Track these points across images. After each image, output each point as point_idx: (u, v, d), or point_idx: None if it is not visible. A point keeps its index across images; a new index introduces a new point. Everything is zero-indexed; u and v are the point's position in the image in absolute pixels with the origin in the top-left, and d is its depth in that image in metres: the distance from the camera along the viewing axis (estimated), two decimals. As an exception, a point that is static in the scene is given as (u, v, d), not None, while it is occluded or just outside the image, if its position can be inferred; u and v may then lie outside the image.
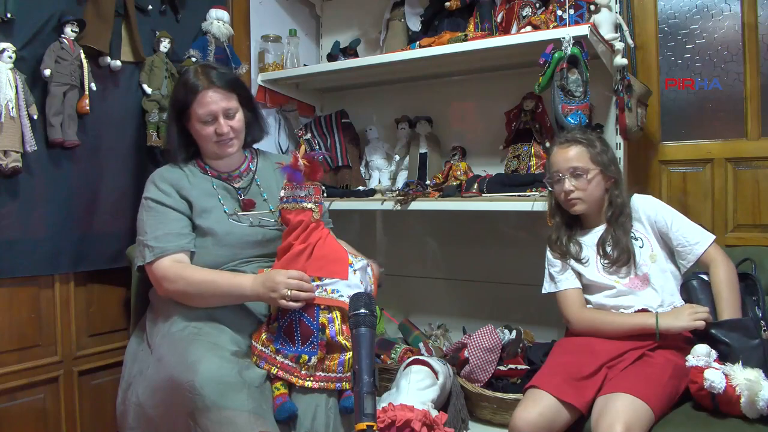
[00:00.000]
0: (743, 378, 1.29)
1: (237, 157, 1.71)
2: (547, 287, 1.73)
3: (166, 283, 1.50)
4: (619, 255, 1.60)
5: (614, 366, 1.49)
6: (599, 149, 1.64)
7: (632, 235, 1.63)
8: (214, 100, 1.58)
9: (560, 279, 1.69)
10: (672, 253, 1.64)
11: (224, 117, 1.60)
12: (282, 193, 1.48)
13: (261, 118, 1.78)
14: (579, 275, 1.68)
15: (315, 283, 1.43)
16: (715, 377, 1.30)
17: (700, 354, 1.37)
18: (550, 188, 1.72)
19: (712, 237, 1.60)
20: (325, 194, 2.23)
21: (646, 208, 1.67)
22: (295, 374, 1.40)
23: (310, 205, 1.46)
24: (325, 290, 1.43)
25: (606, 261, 1.63)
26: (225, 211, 1.62)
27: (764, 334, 1.46)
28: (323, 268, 1.45)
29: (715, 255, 1.57)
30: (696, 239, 1.59)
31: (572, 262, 1.68)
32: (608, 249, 1.63)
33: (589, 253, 1.67)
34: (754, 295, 1.54)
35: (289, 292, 1.38)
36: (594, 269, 1.65)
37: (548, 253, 1.74)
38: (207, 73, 1.61)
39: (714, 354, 1.38)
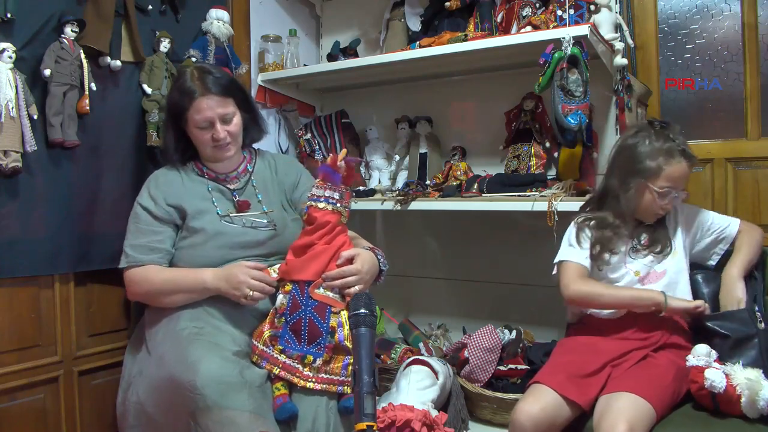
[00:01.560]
0: (744, 377, 1.29)
1: (235, 158, 1.71)
2: (557, 258, 1.68)
3: (133, 287, 1.57)
4: (655, 241, 1.61)
5: (618, 365, 1.49)
6: None
7: None
8: (210, 107, 1.58)
9: (570, 252, 1.63)
10: (689, 250, 1.66)
11: (221, 122, 1.60)
12: (314, 191, 1.47)
13: (259, 118, 1.78)
14: (596, 260, 1.63)
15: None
16: (715, 377, 1.30)
17: (701, 354, 1.37)
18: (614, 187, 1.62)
19: (738, 219, 1.66)
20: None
21: (678, 206, 1.67)
22: (297, 374, 1.39)
23: (340, 209, 1.47)
24: (339, 293, 1.44)
25: (641, 246, 1.62)
26: (218, 213, 1.62)
27: (760, 326, 1.47)
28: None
29: (745, 225, 1.65)
30: (726, 222, 1.65)
31: (597, 248, 1.63)
32: (643, 237, 1.63)
33: (620, 244, 1.63)
34: (754, 292, 1.55)
35: (251, 293, 1.42)
36: (620, 258, 1.62)
37: (574, 229, 1.67)
38: (202, 78, 1.60)
39: (714, 354, 1.38)
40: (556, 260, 1.68)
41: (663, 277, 1.59)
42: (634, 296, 1.54)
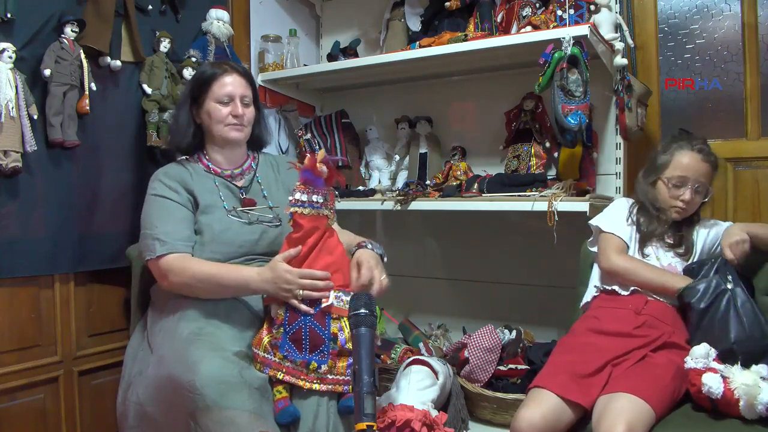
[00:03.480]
0: (741, 382, 1.28)
1: (240, 154, 1.73)
2: (597, 221, 1.73)
3: (172, 276, 1.51)
4: (681, 243, 1.67)
5: (619, 364, 1.48)
6: (717, 172, 1.70)
7: None
8: (234, 84, 1.64)
9: (616, 224, 1.69)
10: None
11: (240, 102, 1.64)
12: (297, 196, 1.42)
13: (264, 120, 1.81)
14: (630, 239, 1.69)
15: (335, 293, 1.41)
16: (713, 382, 1.29)
17: (699, 355, 1.37)
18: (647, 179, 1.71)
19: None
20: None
21: (702, 220, 1.75)
22: (302, 377, 1.38)
23: (326, 212, 1.43)
24: (342, 301, 1.41)
25: (668, 244, 1.68)
26: (224, 207, 1.62)
27: (728, 285, 1.49)
28: (344, 281, 1.45)
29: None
30: (724, 225, 1.71)
31: (633, 229, 1.69)
32: (672, 236, 1.68)
33: (653, 235, 1.69)
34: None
35: (301, 292, 1.38)
36: (651, 249, 1.68)
37: (623, 200, 1.78)
38: (227, 62, 1.71)
39: (713, 353, 1.37)
40: (598, 224, 1.72)
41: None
42: (663, 281, 1.59)
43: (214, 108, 1.63)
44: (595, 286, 1.73)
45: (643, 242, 1.68)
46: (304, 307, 1.39)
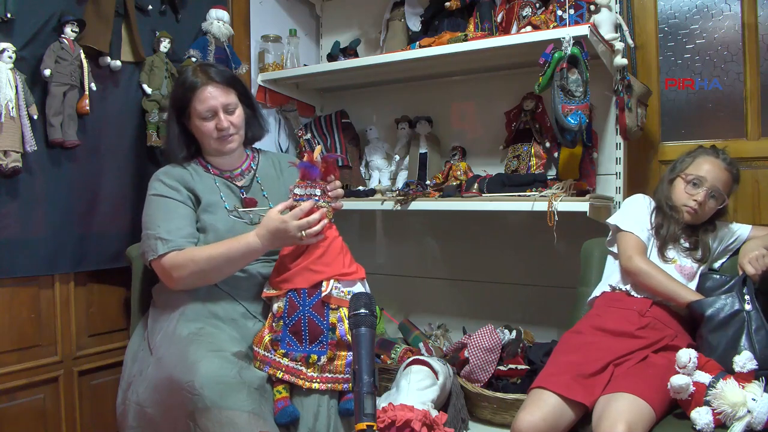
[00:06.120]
0: (729, 401, 1.25)
1: (238, 155, 1.72)
2: (615, 220, 1.73)
3: (177, 271, 1.50)
4: (697, 247, 1.68)
5: (621, 364, 1.48)
6: (737, 186, 1.72)
7: None
8: (214, 96, 1.60)
9: (635, 223, 1.69)
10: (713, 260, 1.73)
11: (224, 112, 1.61)
12: (296, 191, 1.47)
13: (260, 115, 1.79)
14: (648, 240, 1.70)
15: (334, 283, 1.44)
16: (701, 419, 1.27)
17: (682, 363, 1.34)
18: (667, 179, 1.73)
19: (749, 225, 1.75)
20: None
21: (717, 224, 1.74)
22: (301, 376, 1.39)
23: (324, 204, 1.47)
24: (343, 291, 1.44)
25: (685, 247, 1.68)
26: (226, 208, 1.62)
27: (747, 306, 1.48)
28: (342, 270, 1.47)
29: (758, 227, 1.74)
30: (740, 226, 1.74)
31: (651, 231, 1.70)
32: (687, 239, 1.68)
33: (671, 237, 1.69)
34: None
35: (303, 234, 1.43)
36: (669, 250, 1.68)
37: (639, 196, 1.77)
38: (205, 70, 1.63)
39: (695, 358, 1.36)
40: (616, 223, 1.72)
41: (694, 279, 1.65)
42: (678, 293, 1.57)
43: (199, 124, 1.61)
44: (609, 285, 1.72)
45: (663, 246, 1.67)
46: (314, 239, 1.45)
